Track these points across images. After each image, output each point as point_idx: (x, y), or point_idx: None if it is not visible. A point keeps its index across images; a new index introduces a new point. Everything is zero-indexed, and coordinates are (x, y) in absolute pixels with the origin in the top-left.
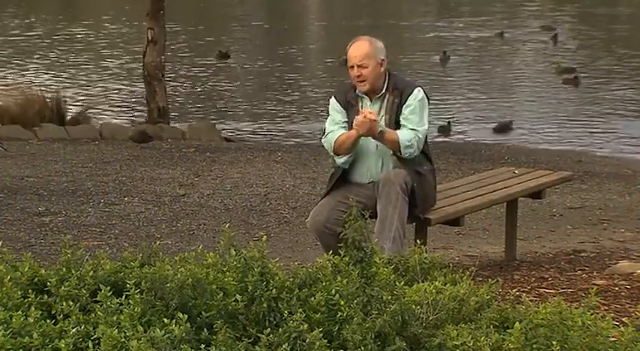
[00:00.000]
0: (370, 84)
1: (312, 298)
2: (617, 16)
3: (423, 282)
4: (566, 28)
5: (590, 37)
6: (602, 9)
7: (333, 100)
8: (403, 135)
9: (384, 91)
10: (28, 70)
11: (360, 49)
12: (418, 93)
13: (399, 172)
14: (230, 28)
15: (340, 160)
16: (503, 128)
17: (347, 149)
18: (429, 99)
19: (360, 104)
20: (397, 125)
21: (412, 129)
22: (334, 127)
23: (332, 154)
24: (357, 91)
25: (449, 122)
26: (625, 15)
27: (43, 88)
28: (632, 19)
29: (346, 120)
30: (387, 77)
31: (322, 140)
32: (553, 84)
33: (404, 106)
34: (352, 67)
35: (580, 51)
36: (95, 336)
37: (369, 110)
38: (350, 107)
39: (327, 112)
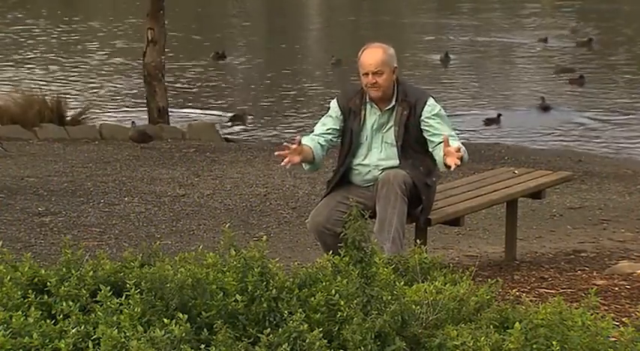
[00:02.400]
0: (383, 92)
1: (312, 298)
2: (619, 12)
3: (422, 282)
4: (568, 26)
5: (592, 36)
6: (603, 5)
7: (334, 103)
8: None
9: (393, 102)
10: (27, 69)
11: (374, 56)
12: (434, 106)
13: (398, 172)
14: (227, 27)
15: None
16: (545, 108)
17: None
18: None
19: (363, 113)
20: (406, 136)
21: (452, 136)
22: (319, 130)
23: None
24: (365, 99)
25: (499, 115)
26: (626, 12)
27: (43, 88)
28: (634, 16)
29: (337, 128)
30: (396, 86)
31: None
32: (555, 84)
33: (422, 117)
34: (367, 74)
35: (582, 50)
36: (95, 336)
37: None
38: (352, 115)
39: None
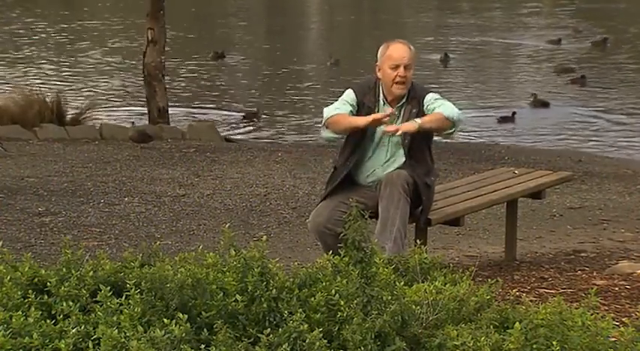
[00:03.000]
0: (406, 88)
1: (312, 298)
2: (620, 11)
3: (423, 282)
4: (568, 26)
5: (593, 35)
6: (603, 4)
7: (351, 92)
8: (444, 110)
9: (404, 100)
10: (27, 69)
11: (405, 51)
12: (433, 95)
13: (401, 172)
14: (226, 26)
15: (326, 134)
16: (543, 104)
17: (338, 130)
18: None
19: (376, 110)
20: (413, 135)
21: (442, 104)
22: (342, 108)
23: (323, 123)
24: (378, 96)
25: (514, 113)
26: (626, 11)
27: (42, 88)
28: (635, 14)
29: (354, 113)
30: None
31: (325, 109)
32: (556, 83)
33: (425, 108)
34: (397, 67)
35: (583, 49)
36: (95, 336)
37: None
38: (364, 110)
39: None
